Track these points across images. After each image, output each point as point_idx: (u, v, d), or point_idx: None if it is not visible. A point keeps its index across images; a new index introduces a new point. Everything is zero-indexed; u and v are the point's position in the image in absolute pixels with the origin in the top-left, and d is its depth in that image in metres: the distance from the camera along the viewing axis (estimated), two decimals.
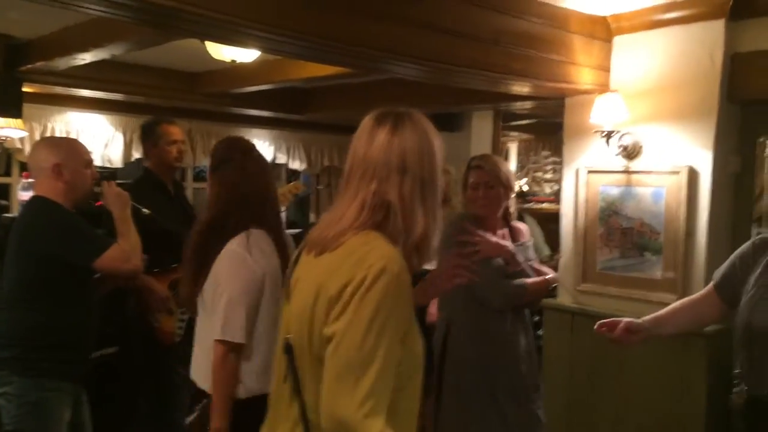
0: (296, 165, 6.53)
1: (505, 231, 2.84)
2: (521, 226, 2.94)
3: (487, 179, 2.70)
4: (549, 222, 4.89)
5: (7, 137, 4.01)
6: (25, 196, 2.69)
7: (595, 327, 2.22)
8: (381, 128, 1.44)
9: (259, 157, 2.25)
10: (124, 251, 2.43)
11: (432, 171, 1.44)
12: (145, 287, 3.06)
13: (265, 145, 6.33)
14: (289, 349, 1.43)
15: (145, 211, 2.99)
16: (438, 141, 1.48)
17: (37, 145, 2.59)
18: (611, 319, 2.21)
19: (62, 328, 2.42)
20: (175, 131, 3.34)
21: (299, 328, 1.41)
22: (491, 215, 2.74)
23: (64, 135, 5.14)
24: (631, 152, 3.18)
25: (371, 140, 1.44)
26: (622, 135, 3.17)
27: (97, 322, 2.60)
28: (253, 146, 2.28)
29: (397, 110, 1.48)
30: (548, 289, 2.84)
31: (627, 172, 3.22)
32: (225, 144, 2.30)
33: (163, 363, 3.19)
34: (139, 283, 3.05)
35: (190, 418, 2.99)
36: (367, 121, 1.48)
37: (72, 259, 2.38)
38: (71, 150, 2.51)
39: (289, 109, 5.37)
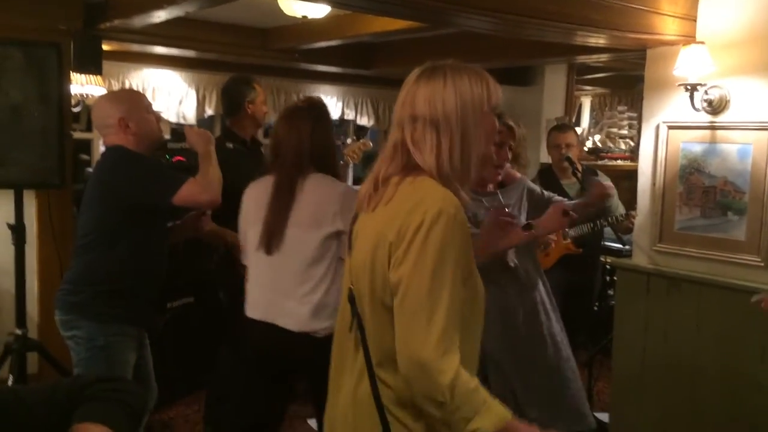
0: (364, 121, 6.52)
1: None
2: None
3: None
4: (622, 179, 4.74)
5: (89, 95, 4.15)
6: None
7: (754, 301, 2.15)
8: (408, 80, 1.53)
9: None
10: (200, 183, 2.48)
11: (447, 114, 1.45)
12: (215, 234, 3.01)
13: (333, 101, 6.35)
14: (352, 299, 1.49)
15: (230, 144, 3.07)
16: (468, 89, 1.47)
17: (98, 102, 2.64)
18: None
19: (130, 275, 2.49)
20: (264, 92, 3.45)
21: (361, 277, 1.46)
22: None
23: (141, 91, 5.31)
24: (716, 107, 3.02)
25: (402, 93, 1.53)
26: (708, 88, 3.01)
27: (165, 270, 2.66)
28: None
29: (435, 64, 1.53)
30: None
31: (712, 127, 3.06)
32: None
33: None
34: (209, 228, 3.10)
35: None
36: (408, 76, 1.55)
37: (151, 200, 2.45)
38: (132, 101, 2.58)
39: (358, 64, 5.34)
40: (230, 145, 3.18)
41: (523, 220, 2.62)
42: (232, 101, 3.36)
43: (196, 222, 2.81)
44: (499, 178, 2.67)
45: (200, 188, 2.46)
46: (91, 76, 3.98)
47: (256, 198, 2.47)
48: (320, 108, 2.53)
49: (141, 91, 5.26)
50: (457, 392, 1.31)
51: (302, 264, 2.36)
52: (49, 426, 1.37)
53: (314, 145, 2.40)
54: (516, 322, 2.61)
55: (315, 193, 2.36)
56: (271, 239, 2.37)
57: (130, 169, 2.47)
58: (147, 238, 2.52)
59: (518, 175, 2.81)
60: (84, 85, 4.01)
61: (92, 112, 2.63)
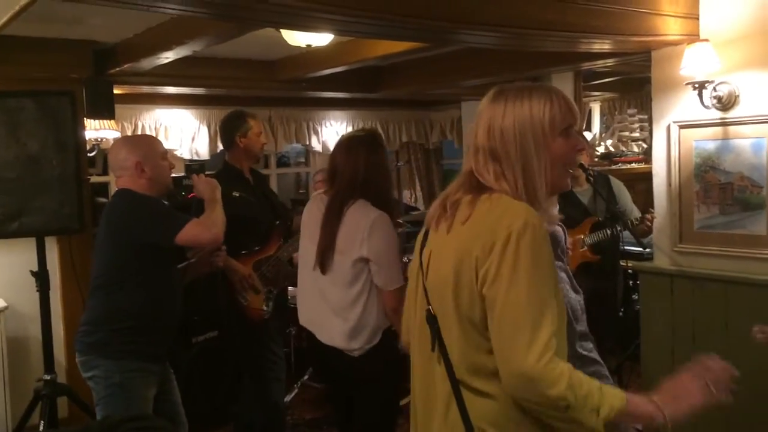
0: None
1: None
2: None
3: None
4: (637, 182, 4.71)
5: (103, 138, 4.23)
6: None
7: (755, 335, 2.16)
8: (482, 107, 1.51)
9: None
10: (203, 224, 2.56)
11: (506, 142, 1.45)
12: (229, 268, 3.23)
13: (342, 126, 6.40)
14: (432, 319, 1.47)
15: (236, 193, 3.16)
16: (528, 111, 1.46)
17: (116, 145, 2.71)
18: None
19: (144, 313, 2.53)
20: (260, 125, 3.51)
21: (441, 296, 1.45)
22: None
23: (153, 132, 5.39)
24: (726, 103, 3.01)
25: (476, 118, 1.52)
26: (716, 85, 3.00)
27: (180, 306, 2.72)
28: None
29: (501, 88, 1.51)
30: None
31: (723, 123, 3.04)
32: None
33: (257, 340, 3.33)
34: (223, 264, 3.21)
35: (290, 396, 3.16)
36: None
37: (156, 239, 2.51)
38: (149, 146, 2.65)
39: (364, 88, 5.39)
40: (236, 194, 3.27)
41: None
42: (226, 136, 3.49)
43: (210, 258, 2.90)
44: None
45: (202, 228, 2.54)
46: (104, 120, 4.06)
47: (313, 215, 2.64)
48: (376, 138, 2.69)
49: (155, 135, 5.38)
50: (577, 392, 1.31)
51: (340, 285, 2.52)
52: None
53: (368, 173, 2.54)
54: None
55: (351, 219, 2.49)
56: (324, 261, 2.53)
57: (137, 210, 2.54)
58: (158, 277, 2.58)
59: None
60: (98, 130, 4.09)
61: (109, 154, 2.71)
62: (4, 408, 3.54)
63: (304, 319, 2.67)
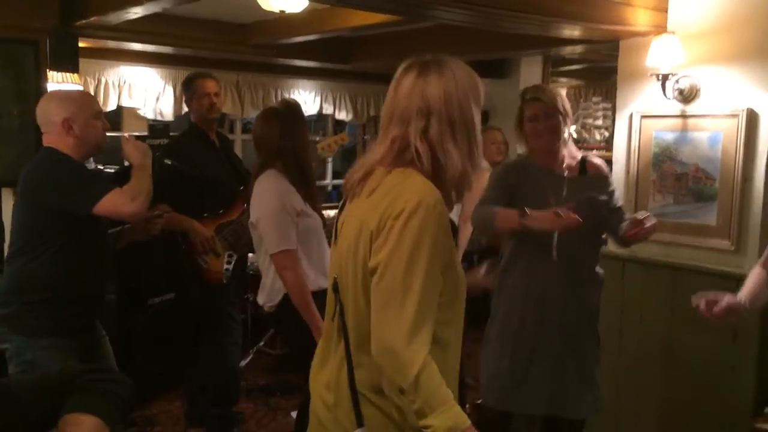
0: (342, 116, 6.54)
1: (571, 162, 2.63)
2: (597, 161, 2.71)
3: (545, 109, 2.59)
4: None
5: None
6: None
7: (694, 304, 2.19)
8: (407, 75, 1.50)
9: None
10: (126, 194, 2.36)
11: (463, 112, 1.47)
12: (190, 229, 3.23)
13: (311, 96, 6.36)
14: (336, 288, 1.52)
15: (168, 161, 3.12)
16: (471, 84, 1.50)
17: (45, 99, 2.50)
18: (712, 295, 2.18)
19: (60, 284, 2.37)
20: (209, 85, 3.43)
21: (345, 265, 1.49)
22: (553, 146, 2.59)
23: (116, 89, 5.27)
24: (687, 96, 3.10)
25: (398, 87, 1.51)
26: (679, 78, 3.09)
27: (105, 276, 2.57)
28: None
29: (427, 58, 1.53)
30: (520, 226, 2.44)
31: (683, 116, 3.14)
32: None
33: (215, 304, 3.33)
34: (186, 225, 3.21)
35: (245, 361, 3.21)
36: (397, 72, 1.54)
37: (71, 208, 2.33)
38: (81, 103, 2.45)
39: (336, 58, 5.36)
40: (168, 162, 3.16)
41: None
42: (184, 98, 3.53)
43: (146, 226, 2.68)
44: (562, 158, 2.61)
45: (125, 199, 2.35)
46: (67, 74, 3.95)
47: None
48: (291, 109, 2.81)
49: (118, 92, 5.25)
50: (421, 385, 1.33)
51: (259, 251, 2.86)
52: (39, 416, 1.39)
53: (282, 143, 2.70)
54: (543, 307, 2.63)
55: (256, 188, 2.74)
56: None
57: (55, 174, 2.35)
58: (77, 245, 2.39)
59: (603, 167, 2.69)
60: (60, 83, 3.98)
61: (38, 108, 2.47)
62: None
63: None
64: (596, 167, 2.67)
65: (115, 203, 2.32)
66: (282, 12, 3.31)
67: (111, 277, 2.72)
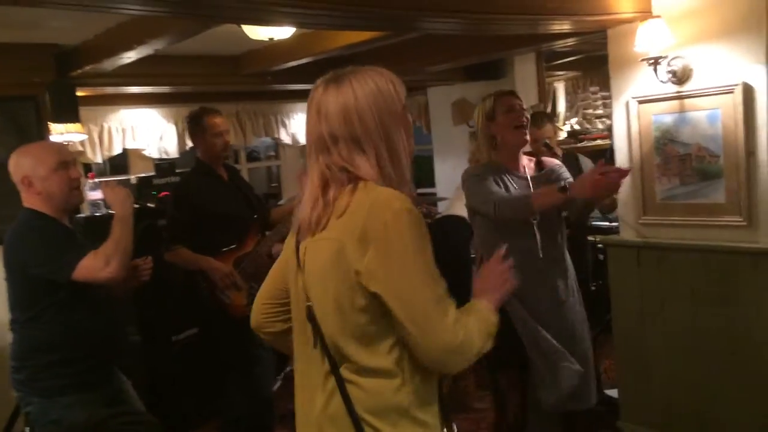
0: None
1: (530, 163, 2.96)
2: (549, 161, 3.07)
3: (520, 103, 2.75)
4: (599, 157, 4.81)
5: (69, 142, 4.19)
6: (93, 195, 2.76)
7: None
8: (314, 99, 1.49)
9: None
10: (98, 259, 2.24)
11: (366, 125, 1.43)
12: (208, 268, 3.23)
13: None
14: (311, 316, 1.46)
15: (150, 204, 3.09)
16: (376, 90, 1.45)
17: (11, 157, 2.38)
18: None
19: (67, 343, 2.32)
20: (220, 122, 3.38)
21: (321, 290, 1.44)
22: (526, 140, 2.89)
23: (120, 133, 5.35)
24: (681, 77, 3.10)
25: (309, 115, 1.49)
26: (670, 60, 3.09)
27: (117, 324, 2.52)
28: None
29: (337, 73, 1.50)
30: (561, 200, 2.68)
31: (679, 97, 3.14)
32: None
33: (243, 336, 3.35)
34: (204, 264, 3.23)
35: (275, 387, 3.19)
36: (310, 93, 1.51)
37: (51, 277, 2.26)
38: (38, 157, 2.33)
39: None
40: (151, 205, 3.30)
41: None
42: (190, 136, 3.51)
43: (135, 274, 2.55)
44: (522, 159, 2.92)
45: (100, 263, 2.23)
46: (69, 124, 4.03)
47: None
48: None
49: (121, 136, 5.31)
50: (476, 336, 1.43)
51: None
52: None
53: None
54: (536, 300, 2.80)
55: None
56: None
57: (29, 242, 2.28)
58: (75, 304, 2.32)
59: (554, 162, 3.05)
60: (63, 134, 4.06)
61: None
62: None
63: None
64: (551, 162, 3.00)
65: (89, 270, 2.23)
66: (271, 39, 3.37)
67: (131, 319, 2.72)
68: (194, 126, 3.39)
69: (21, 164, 2.32)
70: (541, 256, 2.78)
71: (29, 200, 2.34)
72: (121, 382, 2.55)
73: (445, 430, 1.54)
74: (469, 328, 1.42)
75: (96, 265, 2.23)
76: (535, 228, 2.77)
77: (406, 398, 1.42)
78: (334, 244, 1.41)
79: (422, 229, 1.40)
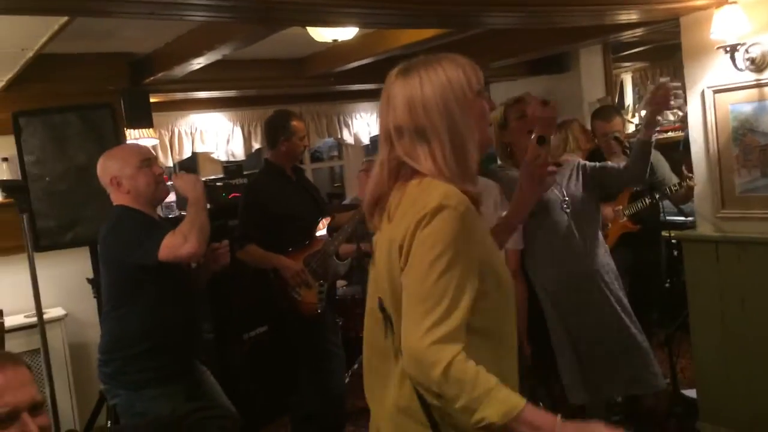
0: None
1: None
2: (564, 159, 2.97)
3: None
4: (671, 150, 4.65)
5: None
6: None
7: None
8: (384, 90, 1.48)
9: None
10: (179, 236, 2.32)
11: (431, 117, 1.41)
12: (280, 266, 3.30)
13: (372, 117, 6.44)
14: (383, 307, 1.47)
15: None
16: (446, 79, 1.42)
17: (99, 161, 2.53)
18: None
19: (155, 333, 2.42)
20: (302, 126, 3.53)
21: (383, 284, 1.45)
22: None
23: (189, 137, 5.51)
24: (760, 64, 2.96)
25: (380, 108, 1.48)
26: (748, 47, 2.95)
27: (197, 317, 2.61)
28: None
29: (408, 63, 1.47)
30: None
31: (758, 85, 2.99)
32: None
33: (315, 333, 3.40)
34: (276, 262, 3.29)
35: (345, 382, 3.19)
36: (384, 84, 1.50)
37: (140, 261, 2.36)
38: (123, 157, 2.48)
39: None
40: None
41: (579, 194, 2.79)
42: (270, 137, 3.53)
43: (213, 257, 2.64)
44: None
45: (179, 241, 2.31)
46: (143, 129, 4.18)
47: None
48: None
49: (191, 140, 5.48)
50: (451, 381, 1.26)
51: None
52: None
53: None
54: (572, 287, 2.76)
55: None
56: None
57: (118, 231, 2.42)
58: (162, 293, 2.44)
59: (570, 158, 2.95)
60: (138, 139, 4.22)
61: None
62: (72, 411, 3.70)
63: None
64: (566, 160, 2.91)
65: (170, 248, 2.31)
66: (335, 41, 3.40)
67: (206, 317, 2.80)
68: (281, 129, 3.44)
69: (108, 167, 2.46)
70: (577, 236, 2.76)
71: (119, 199, 2.47)
72: (201, 373, 2.65)
73: None
74: (445, 355, 1.27)
75: (175, 242, 2.31)
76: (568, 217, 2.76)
77: None
78: (386, 241, 1.42)
79: (460, 228, 1.34)
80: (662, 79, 2.60)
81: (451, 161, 1.41)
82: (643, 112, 6.57)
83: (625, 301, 2.82)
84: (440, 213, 1.33)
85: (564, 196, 2.75)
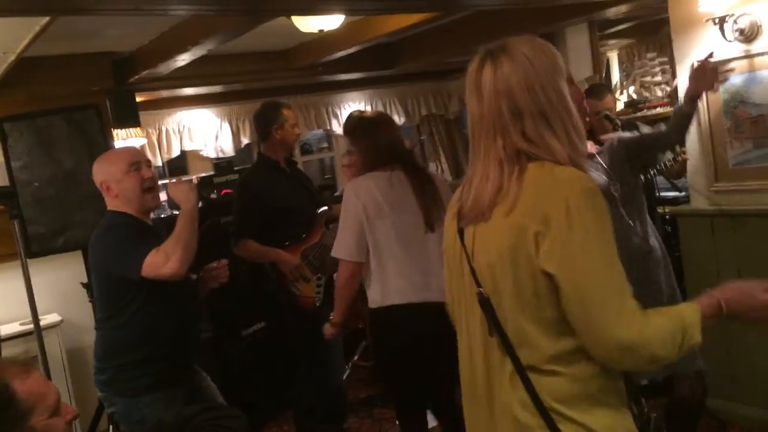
0: (395, 120, 6.55)
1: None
2: (607, 137, 2.93)
3: None
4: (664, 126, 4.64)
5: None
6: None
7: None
8: (483, 76, 1.40)
9: None
10: (159, 256, 2.24)
11: (549, 96, 1.37)
12: (277, 260, 3.28)
13: (361, 107, 6.41)
14: (486, 302, 1.40)
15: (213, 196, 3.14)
16: (547, 60, 1.39)
17: (93, 165, 2.50)
18: None
19: (148, 342, 2.37)
20: (294, 114, 3.50)
21: (498, 277, 1.38)
22: None
23: (176, 135, 5.46)
24: (749, 35, 2.95)
25: (479, 94, 1.40)
26: (737, 18, 2.94)
27: (194, 323, 2.58)
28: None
29: (491, 48, 1.41)
30: None
31: (748, 56, 2.98)
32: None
33: (313, 327, 3.39)
34: (273, 256, 3.26)
35: (344, 375, 3.18)
36: (470, 73, 1.43)
37: (126, 275, 2.31)
38: (111, 161, 2.43)
39: (380, 65, 5.39)
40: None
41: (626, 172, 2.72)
42: (261, 128, 3.47)
43: (212, 278, 2.63)
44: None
45: (161, 260, 2.23)
46: (130, 129, 4.13)
47: (388, 191, 2.60)
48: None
49: (179, 138, 5.43)
50: (657, 347, 1.29)
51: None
52: None
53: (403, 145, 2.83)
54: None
55: (442, 183, 2.77)
56: (432, 220, 2.60)
57: (105, 241, 2.37)
58: (158, 302, 2.38)
59: (609, 137, 2.88)
60: (125, 139, 4.17)
61: None
62: None
63: (411, 295, 2.58)
64: (609, 137, 2.83)
65: (152, 266, 2.24)
66: (321, 31, 3.36)
67: (203, 316, 2.77)
68: (272, 118, 3.40)
69: (98, 171, 2.44)
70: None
71: (111, 203, 2.44)
72: (200, 378, 2.61)
73: (633, 406, 1.48)
74: (649, 329, 1.29)
75: (157, 262, 2.24)
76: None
77: (593, 384, 1.36)
78: (514, 228, 1.34)
79: (603, 208, 1.33)
80: (705, 57, 2.60)
81: (574, 141, 1.39)
82: (631, 89, 6.57)
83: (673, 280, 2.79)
84: (584, 198, 1.30)
85: (611, 180, 2.64)
